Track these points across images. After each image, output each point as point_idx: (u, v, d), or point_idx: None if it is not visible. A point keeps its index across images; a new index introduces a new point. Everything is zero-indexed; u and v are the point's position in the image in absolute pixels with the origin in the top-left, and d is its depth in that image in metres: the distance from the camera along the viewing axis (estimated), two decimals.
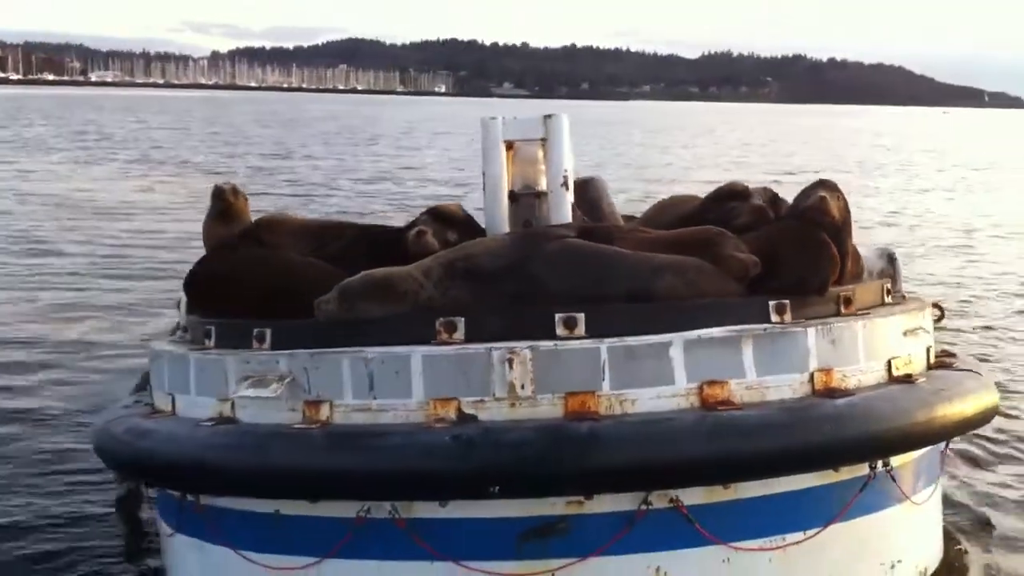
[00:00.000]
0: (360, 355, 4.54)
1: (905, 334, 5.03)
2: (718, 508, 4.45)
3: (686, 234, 5.02)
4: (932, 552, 5.36)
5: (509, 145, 5.82)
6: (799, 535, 4.60)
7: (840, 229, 4.98)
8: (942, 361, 5.33)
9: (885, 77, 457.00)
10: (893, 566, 4.97)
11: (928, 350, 5.25)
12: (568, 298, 4.62)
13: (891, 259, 5.74)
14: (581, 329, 4.50)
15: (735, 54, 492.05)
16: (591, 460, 4.23)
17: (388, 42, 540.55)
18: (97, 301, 13.23)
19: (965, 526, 6.36)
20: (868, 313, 5.00)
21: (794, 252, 4.86)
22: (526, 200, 5.73)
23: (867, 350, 4.81)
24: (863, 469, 4.70)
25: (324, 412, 4.56)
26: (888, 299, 5.37)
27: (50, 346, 10.79)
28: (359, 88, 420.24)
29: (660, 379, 4.44)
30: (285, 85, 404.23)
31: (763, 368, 4.54)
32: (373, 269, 4.83)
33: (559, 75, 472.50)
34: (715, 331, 4.53)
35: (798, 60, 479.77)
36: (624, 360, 4.42)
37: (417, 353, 4.48)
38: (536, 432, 4.27)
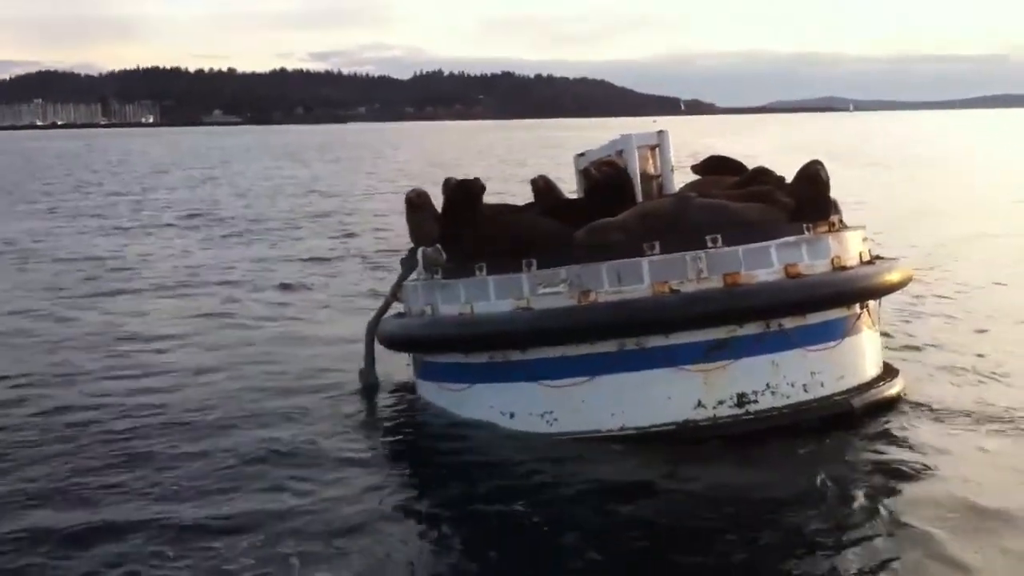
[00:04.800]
0: (613, 263, 8.42)
1: (863, 240, 9.40)
2: (800, 328, 8.62)
3: (753, 192, 9.20)
4: (881, 360, 9.71)
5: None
6: (834, 343, 8.83)
7: (828, 186, 9.26)
8: (876, 256, 9.71)
9: (590, 90, 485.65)
10: (875, 361, 9.31)
11: (869, 250, 9.60)
12: (707, 228, 8.64)
13: (834, 204, 10.04)
14: (720, 243, 8.54)
15: (446, 73, 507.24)
16: (740, 305, 8.33)
17: (84, 73, 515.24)
18: None
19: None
20: (846, 228, 9.29)
21: (810, 200, 9.10)
22: (646, 179, 9.76)
23: (853, 247, 9.12)
24: (857, 308, 9.00)
25: (592, 296, 8.42)
26: (838, 223, 9.67)
27: None
28: (59, 123, 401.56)
29: (766, 264, 8.57)
30: None
31: (810, 256, 8.75)
32: (604, 219, 8.73)
33: (272, 100, 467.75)
34: (788, 239, 8.70)
35: (507, 77, 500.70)
36: (750, 256, 8.52)
37: (644, 260, 8.42)
38: (719, 293, 8.32)
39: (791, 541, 6.77)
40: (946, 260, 18.14)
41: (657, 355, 8.40)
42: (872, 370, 9.30)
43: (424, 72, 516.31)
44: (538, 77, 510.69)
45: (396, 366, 10.59)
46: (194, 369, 11.58)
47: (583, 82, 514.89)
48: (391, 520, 7.35)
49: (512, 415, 8.78)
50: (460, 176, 10.19)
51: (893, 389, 9.25)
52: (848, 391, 8.85)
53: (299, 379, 10.98)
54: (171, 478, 8.12)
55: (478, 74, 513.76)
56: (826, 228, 9.10)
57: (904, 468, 7.94)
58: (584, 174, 10.17)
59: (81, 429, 9.36)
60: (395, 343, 9.85)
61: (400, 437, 9.25)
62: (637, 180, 9.66)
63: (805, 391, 8.65)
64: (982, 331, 12.43)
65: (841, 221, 9.64)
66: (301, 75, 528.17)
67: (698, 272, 8.43)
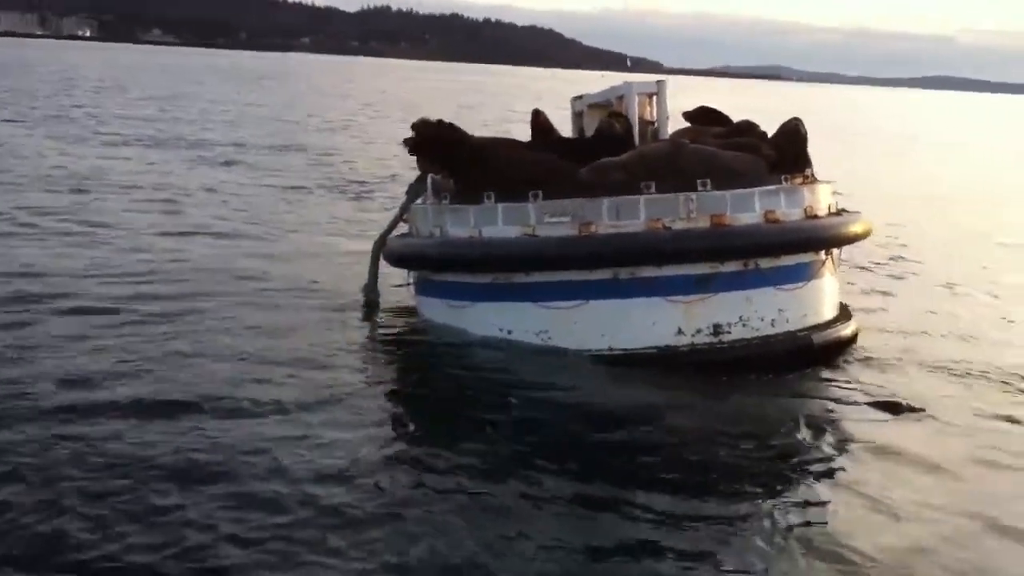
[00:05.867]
0: (613, 200, 9.30)
1: (832, 193, 10.39)
2: (774, 268, 9.60)
3: (740, 142, 10.13)
4: (839, 302, 10.74)
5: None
6: (801, 284, 9.83)
7: (807, 142, 10.23)
8: (842, 209, 10.71)
9: (538, 39, 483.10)
10: (833, 304, 10.34)
11: (836, 202, 10.58)
12: (698, 173, 9.55)
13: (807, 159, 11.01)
14: (710, 187, 9.46)
15: (395, 9, 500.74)
16: (725, 244, 9.29)
17: None
18: None
19: None
20: (818, 181, 10.27)
21: (789, 153, 10.06)
22: (643, 124, 10.64)
23: (823, 197, 10.11)
24: (823, 255, 10.00)
25: (592, 228, 9.30)
26: (812, 176, 10.64)
27: None
28: None
29: (749, 209, 9.52)
30: None
31: (787, 204, 9.72)
32: (605, 159, 9.59)
33: (215, 23, 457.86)
34: (769, 187, 9.65)
35: (456, 19, 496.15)
36: (736, 200, 9.46)
37: (642, 198, 9.31)
38: (705, 231, 9.27)
39: (748, 459, 7.61)
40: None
41: (646, 285, 9.32)
42: (831, 311, 10.33)
43: (371, 6, 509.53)
44: (487, 21, 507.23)
45: (393, 286, 11.43)
46: (187, 291, 11.48)
47: (532, 30, 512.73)
48: (399, 431, 8.05)
49: (510, 331, 9.66)
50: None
51: (848, 330, 10.30)
52: (810, 328, 9.87)
53: (300, 296, 11.58)
54: (173, 401, 8.05)
55: (426, 13, 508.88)
56: (801, 180, 10.06)
57: (852, 397, 9.01)
58: (597, 122, 10.96)
59: (80, 368, 8.79)
60: (403, 260, 10.68)
61: (405, 349, 10.12)
62: (636, 125, 10.53)
63: (772, 325, 9.65)
64: (933, 286, 13.70)
65: (813, 175, 10.62)
66: None
67: (688, 212, 9.35)
